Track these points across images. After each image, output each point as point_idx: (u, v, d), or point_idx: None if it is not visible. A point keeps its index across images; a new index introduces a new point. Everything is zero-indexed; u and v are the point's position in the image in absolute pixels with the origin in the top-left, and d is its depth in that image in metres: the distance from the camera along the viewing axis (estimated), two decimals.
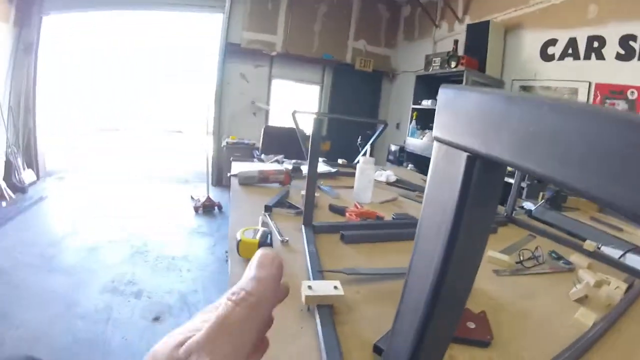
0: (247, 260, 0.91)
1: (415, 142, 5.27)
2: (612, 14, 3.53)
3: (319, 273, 0.92)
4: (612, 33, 3.50)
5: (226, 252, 2.37)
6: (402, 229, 1.36)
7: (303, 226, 1.17)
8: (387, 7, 7.17)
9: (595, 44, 3.65)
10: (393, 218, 1.50)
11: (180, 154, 8.64)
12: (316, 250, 1.02)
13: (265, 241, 0.94)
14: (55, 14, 5.48)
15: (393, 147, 5.73)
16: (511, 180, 3.27)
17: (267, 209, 1.32)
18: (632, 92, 3.34)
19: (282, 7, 6.32)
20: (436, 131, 0.30)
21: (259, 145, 4.61)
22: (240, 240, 0.93)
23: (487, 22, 4.59)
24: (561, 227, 2.93)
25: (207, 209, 4.66)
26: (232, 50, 6.09)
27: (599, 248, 2.29)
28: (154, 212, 4.50)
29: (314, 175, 1.19)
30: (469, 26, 4.93)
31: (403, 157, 5.52)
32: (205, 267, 3.30)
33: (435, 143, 0.31)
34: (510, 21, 4.68)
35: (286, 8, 6.34)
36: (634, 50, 3.33)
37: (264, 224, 1.18)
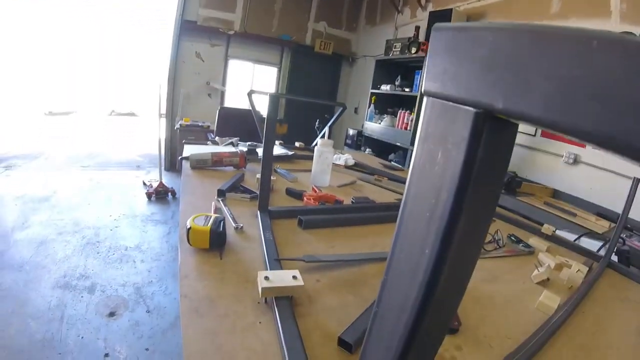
0: (199, 249, 0.85)
1: (373, 127, 5.28)
2: (574, 10, 3.64)
3: (277, 262, 0.85)
4: None
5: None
6: (362, 212, 1.34)
7: (259, 211, 1.11)
8: None
9: None
10: (352, 202, 1.47)
11: (134, 137, 8.37)
12: (273, 237, 0.96)
13: (217, 228, 0.86)
14: None
15: (351, 132, 5.72)
16: None
17: (221, 193, 1.24)
18: None
19: None
20: (428, 84, 0.24)
21: (214, 127, 4.48)
22: (190, 228, 0.85)
23: (450, 10, 4.62)
24: (517, 212, 3.01)
25: (161, 195, 4.49)
26: (187, 28, 5.84)
27: (554, 232, 2.36)
28: (106, 200, 4.28)
29: (269, 158, 1.12)
30: (432, 13, 4.94)
31: (361, 141, 5.53)
32: (160, 256, 3.18)
33: (426, 99, 0.24)
34: (473, 10, 4.72)
35: None
36: None
37: (217, 209, 1.11)
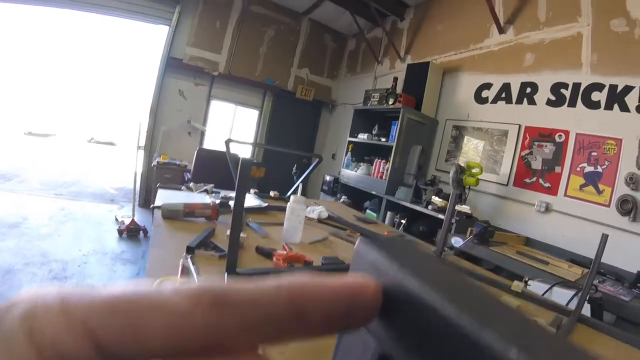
0: None
1: (349, 174, 5.35)
2: (546, 63, 3.84)
3: None
4: (545, 80, 3.82)
5: None
6: (331, 274, 1.34)
7: (226, 274, 1.11)
8: (334, 38, 7.36)
9: (528, 90, 3.96)
10: (322, 263, 1.47)
11: (110, 167, 8.29)
12: None
13: None
14: None
15: (328, 178, 5.78)
16: (443, 217, 3.38)
17: (189, 250, 1.24)
18: (560, 135, 3.64)
19: (230, 27, 6.32)
20: None
21: (191, 167, 4.49)
22: None
23: (427, 62, 4.83)
24: (489, 262, 3.06)
25: (132, 232, 4.43)
26: (173, 65, 5.96)
27: (527, 282, 2.40)
28: (76, 233, 4.21)
29: (239, 222, 1.14)
30: (410, 65, 5.15)
31: (337, 188, 5.58)
32: None
33: None
34: (449, 63, 4.94)
35: (234, 28, 6.34)
36: (564, 97, 3.65)
37: (185, 269, 1.12)
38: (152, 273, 1.06)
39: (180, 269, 1.10)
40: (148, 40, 6.26)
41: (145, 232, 4.51)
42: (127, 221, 4.48)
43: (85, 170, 7.56)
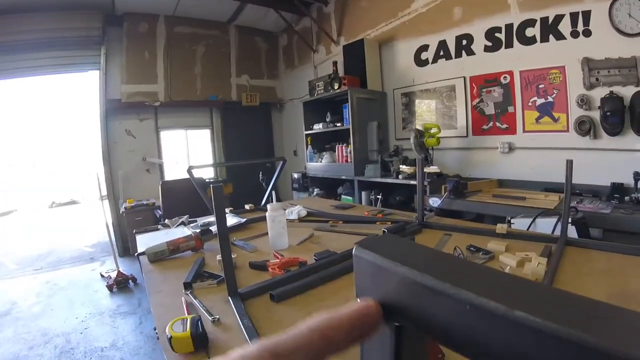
0: (186, 355, 0.88)
1: (315, 166, 5.38)
2: (476, 12, 3.96)
3: None
4: (478, 29, 3.94)
5: (154, 328, 2.25)
6: (327, 268, 1.38)
7: (229, 297, 1.13)
8: (264, 39, 7.36)
9: (464, 42, 4.06)
10: (315, 259, 1.51)
11: (80, 226, 8.10)
12: (252, 323, 0.98)
13: (196, 331, 0.89)
14: None
15: (296, 175, 5.79)
16: (415, 183, 3.45)
17: (187, 286, 1.26)
18: (505, 77, 3.78)
19: (159, 54, 6.22)
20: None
21: (159, 203, 4.44)
22: (171, 337, 0.88)
23: (362, 40, 4.89)
24: (470, 212, 3.15)
25: (122, 284, 4.35)
26: (113, 107, 5.84)
27: (509, 221, 2.49)
28: (68, 302, 4.10)
29: (227, 246, 1.16)
30: (345, 47, 5.19)
31: (307, 182, 5.60)
32: (139, 349, 3.07)
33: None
34: (382, 35, 5.01)
35: (163, 54, 6.24)
36: (500, 40, 3.78)
37: (189, 305, 1.13)
38: (159, 318, 1.07)
39: (184, 306, 1.12)
40: (84, 88, 6.06)
41: (134, 280, 4.44)
42: (114, 274, 4.40)
43: (56, 237, 7.36)
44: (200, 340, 0.89)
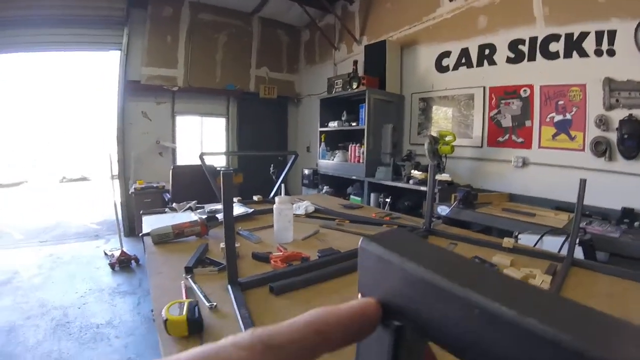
0: (179, 338, 0.87)
1: (327, 164, 5.38)
2: (500, 22, 3.92)
3: None
4: (501, 40, 3.90)
5: (151, 310, 2.25)
6: (330, 265, 1.37)
7: (229, 285, 1.13)
8: (287, 32, 7.36)
9: (487, 51, 4.02)
10: (318, 256, 1.50)
11: (88, 203, 8.16)
12: (249, 313, 0.98)
13: (193, 316, 0.89)
14: None
15: (306, 171, 5.80)
16: (425, 189, 3.44)
17: (188, 270, 1.25)
18: (525, 90, 3.74)
19: (181, 40, 6.24)
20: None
21: (169, 187, 4.45)
22: (166, 319, 0.87)
23: (384, 41, 4.88)
24: (478, 224, 3.13)
25: (124, 264, 4.38)
26: (132, 88, 5.87)
27: (516, 237, 2.46)
28: (69, 276, 4.14)
29: (231, 235, 1.15)
30: (367, 47, 5.19)
31: (317, 179, 5.61)
32: (134, 330, 3.09)
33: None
34: (405, 38, 5.00)
35: (185, 40, 6.26)
36: (522, 53, 3.74)
37: (188, 289, 1.13)
38: (157, 300, 1.07)
39: (183, 290, 1.12)
40: (103, 68, 6.10)
41: (137, 260, 4.48)
42: (117, 253, 4.43)
43: (63, 211, 7.44)
44: (195, 325, 0.89)
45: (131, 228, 5.70)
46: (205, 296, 1.08)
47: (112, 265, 4.33)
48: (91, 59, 6.48)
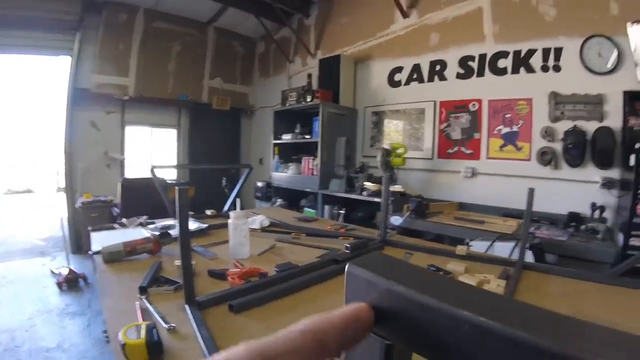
0: None
1: (280, 176, 5.39)
2: (452, 40, 4.10)
3: None
4: (452, 56, 4.07)
5: (103, 331, 2.16)
6: (289, 280, 1.37)
7: (187, 305, 1.11)
8: (242, 44, 7.33)
9: (438, 67, 4.19)
10: (276, 271, 1.50)
11: (33, 217, 7.78)
12: (209, 334, 0.96)
13: (152, 339, 0.86)
14: None
15: (259, 184, 5.76)
16: (379, 200, 3.50)
17: (142, 290, 1.22)
18: (474, 104, 3.92)
19: (134, 48, 6.09)
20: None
21: (117, 201, 4.31)
22: (124, 344, 0.84)
23: (338, 55, 4.97)
24: (430, 232, 3.22)
25: (72, 283, 4.16)
26: (81, 96, 5.63)
27: (468, 244, 2.56)
28: (15, 296, 3.91)
29: (188, 253, 1.14)
30: (322, 60, 5.26)
31: (271, 192, 5.58)
32: (85, 353, 2.93)
33: None
34: (359, 53, 5.10)
35: (138, 48, 6.12)
36: (472, 69, 3.92)
37: (143, 310, 1.10)
38: (111, 322, 1.03)
39: (139, 312, 1.08)
40: (52, 74, 5.79)
41: (85, 279, 4.27)
42: (64, 272, 4.21)
43: (8, 226, 7.04)
44: (155, 348, 0.86)
45: (78, 245, 5.41)
46: (162, 317, 1.05)
47: (59, 285, 4.11)
48: (39, 65, 6.13)
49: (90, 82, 5.72)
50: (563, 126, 3.37)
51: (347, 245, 1.76)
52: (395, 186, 3.86)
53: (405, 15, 4.56)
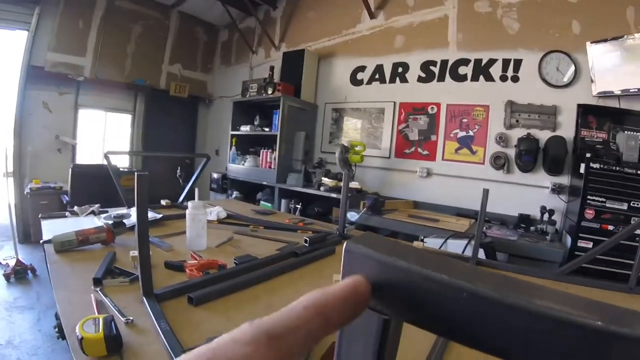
0: (97, 358, 0.83)
1: (237, 168, 5.35)
2: (416, 44, 4.21)
3: (183, 353, 0.84)
4: (415, 60, 4.17)
5: (54, 327, 2.08)
6: (249, 272, 1.38)
7: (144, 298, 1.09)
8: (205, 30, 7.19)
9: (400, 69, 4.29)
10: (235, 263, 1.50)
11: None
12: (170, 327, 0.94)
13: (110, 332, 0.85)
14: None
15: (215, 175, 5.70)
16: (336, 196, 3.57)
17: (97, 282, 1.19)
18: (432, 107, 4.06)
19: (93, 26, 5.80)
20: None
21: (67, 188, 4.16)
22: (82, 338, 0.82)
23: (303, 50, 4.99)
24: (386, 229, 3.31)
25: (20, 274, 3.93)
26: (34, 75, 5.30)
27: (422, 240, 2.65)
28: None
29: (146, 243, 1.13)
30: (285, 54, 5.26)
31: (227, 184, 5.53)
32: (37, 350, 2.79)
33: None
34: (324, 49, 5.13)
35: (98, 26, 5.82)
36: (433, 73, 4.04)
37: (99, 302, 1.09)
38: (66, 316, 1.00)
39: (94, 304, 1.06)
40: (3, 50, 5.42)
41: (34, 270, 4.06)
42: (12, 262, 3.98)
43: None
44: (114, 342, 0.85)
45: (26, 234, 5.12)
46: (119, 310, 1.04)
47: (7, 276, 3.88)
48: None
49: (45, 60, 5.42)
50: (517, 133, 3.56)
51: (306, 238, 1.78)
52: (353, 183, 3.91)
53: (372, 15, 4.63)
